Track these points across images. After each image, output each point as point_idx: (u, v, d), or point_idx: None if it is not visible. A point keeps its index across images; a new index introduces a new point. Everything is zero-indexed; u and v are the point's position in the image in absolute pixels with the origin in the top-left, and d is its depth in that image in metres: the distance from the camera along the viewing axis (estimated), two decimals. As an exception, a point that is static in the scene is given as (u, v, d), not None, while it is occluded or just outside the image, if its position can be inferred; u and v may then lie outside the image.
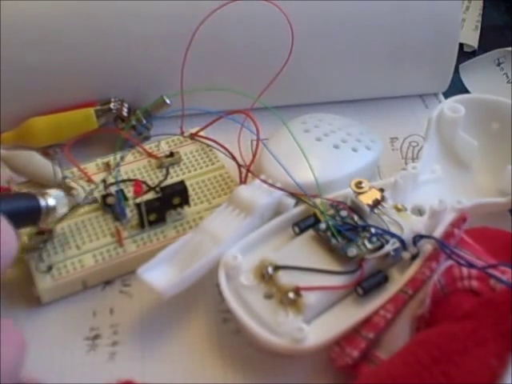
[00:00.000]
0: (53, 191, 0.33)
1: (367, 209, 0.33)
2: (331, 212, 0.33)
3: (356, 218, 0.33)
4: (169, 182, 0.37)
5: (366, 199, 0.33)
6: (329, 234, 0.32)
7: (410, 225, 0.33)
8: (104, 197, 0.35)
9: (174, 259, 0.32)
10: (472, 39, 0.52)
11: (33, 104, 0.40)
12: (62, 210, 0.33)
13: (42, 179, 0.36)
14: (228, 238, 0.32)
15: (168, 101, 0.40)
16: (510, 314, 0.26)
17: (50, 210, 0.32)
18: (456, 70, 0.47)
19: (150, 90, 0.41)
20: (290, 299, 0.30)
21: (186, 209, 0.35)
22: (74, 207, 0.34)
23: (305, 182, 0.34)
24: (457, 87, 0.47)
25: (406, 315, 0.30)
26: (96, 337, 0.32)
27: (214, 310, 0.33)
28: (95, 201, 0.35)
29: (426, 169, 0.37)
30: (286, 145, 0.36)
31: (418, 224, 0.33)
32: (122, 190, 0.36)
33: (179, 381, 0.30)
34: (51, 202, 0.32)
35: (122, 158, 0.38)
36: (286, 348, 0.29)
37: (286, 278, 0.31)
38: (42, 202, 0.32)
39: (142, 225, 0.35)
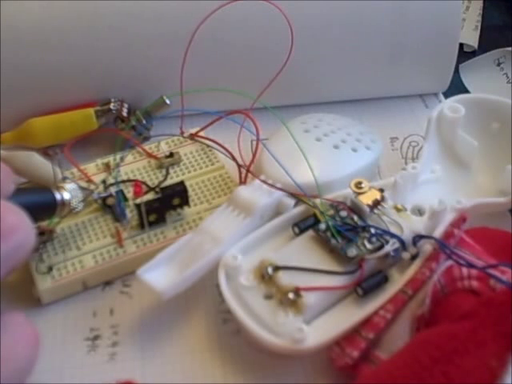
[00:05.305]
0: (67, 184, 0.33)
1: (367, 209, 0.33)
2: (331, 212, 0.33)
3: (356, 218, 0.33)
4: (169, 182, 0.37)
5: (366, 199, 0.33)
6: (329, 234, 0.32)
7: (409, 225, 0.33)
8: (104, 198, 0.35)
9: (173, 260, 0.32)
10: (472, 39, 0.52)
11: (33, 104, 0.40)
12: (77, 203, 0.33)
13: (42, 180, 0.36)
14: (228, 239, 0.32)
15: (168, 101, 0.40)
16: (510, 315, 0.26)
17: (66, 203, 0.33)
18: (456, 70, 0.47)
19: (150, 90, 0.41)
20: (290, 300, 0.30)
21: (186, 209, 0.35)
22: (88, 201, 0.34)
23: (305, 182, 0.34)
24: (457, 87, 0.47)
25: (406, 315, 0.30)
26: (96, 337, 0.32)
27: (214, 310, 0.33)
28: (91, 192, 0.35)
29: (425, 169, 0.37)
30: (286, 145, 0.36)
31: (418, 224, 0.33)
32: (121, 191, 0.36)
33: (179, 381, 0.30)
34: (66, 195, 0.33)
35: (122, 159, 0.38)
36: (286, 348, 0.29)
37: (285, 279, 0.31)
38: (58, 196, 0.32)
39: (141, 225, 0.35)
